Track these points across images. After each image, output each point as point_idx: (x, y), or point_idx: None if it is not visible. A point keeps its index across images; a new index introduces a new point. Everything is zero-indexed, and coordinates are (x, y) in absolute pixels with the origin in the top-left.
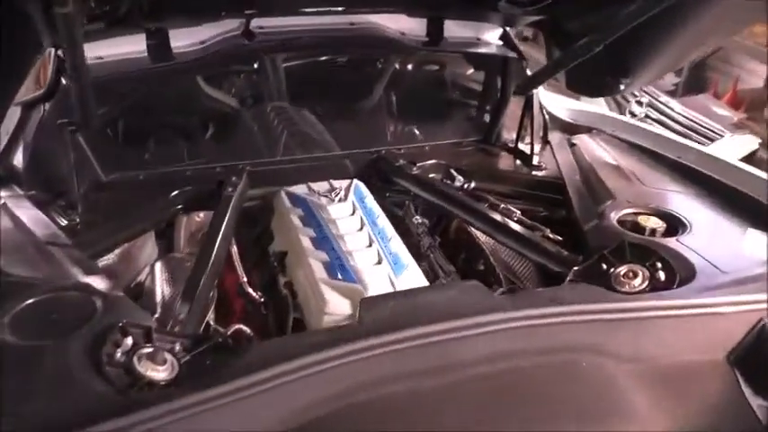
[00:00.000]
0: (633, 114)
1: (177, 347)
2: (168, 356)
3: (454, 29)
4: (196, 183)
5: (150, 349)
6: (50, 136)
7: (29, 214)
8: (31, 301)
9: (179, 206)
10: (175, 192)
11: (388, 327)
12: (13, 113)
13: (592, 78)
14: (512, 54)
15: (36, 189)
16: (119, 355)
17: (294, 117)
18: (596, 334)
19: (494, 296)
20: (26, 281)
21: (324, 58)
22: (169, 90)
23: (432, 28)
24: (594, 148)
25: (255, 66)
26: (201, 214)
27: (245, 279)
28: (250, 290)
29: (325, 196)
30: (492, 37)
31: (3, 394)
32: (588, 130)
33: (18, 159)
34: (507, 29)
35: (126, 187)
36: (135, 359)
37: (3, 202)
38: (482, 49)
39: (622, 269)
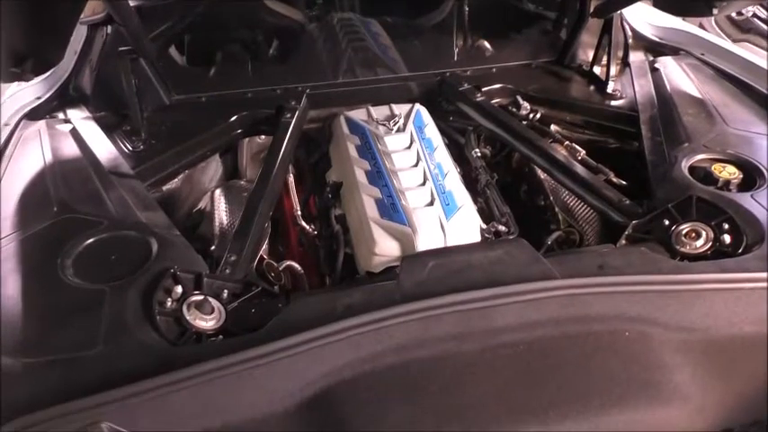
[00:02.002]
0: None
1: (225, 294)
2: (216, 305)
3: None
4: (256, 105)
5: (200, 297)
6: (113, 60)
7: (96, 140)
8: (92, 240)
9: (238, 130)
10: (234, 116)
11: (426, 292)
12: (81, 33)
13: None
14: None
15: (103, 111)
16: (169, 303)
17: (360, 32)
18: (643, 305)
19: (539, 259)
20: (88, 218)
21: None
22: (232, 7)
23: None
24: (678, 75)
25: None
26: (263, 136)
27: (300, 212)
28: (303, 223)
29: (384, 125)
30: None
31: (66, 336)
32: (675, 51)
33: (86, 80)
34: None
35: (188, 110)
36: (184, 308)
37: (72, 126)
38: None
39: (685, 227)
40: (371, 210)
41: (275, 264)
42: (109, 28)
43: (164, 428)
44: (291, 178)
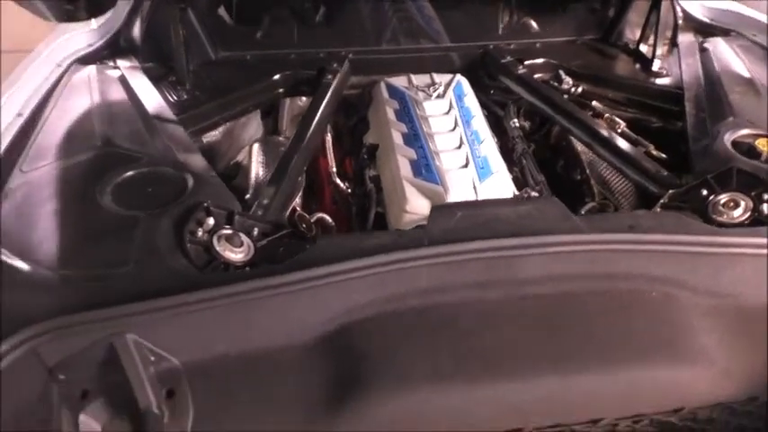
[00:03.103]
0: None
1: (255, 232)
2: (245, 240)
3: None
4: (299, 66)
5: (230, 231)
6: (163, 11)
7: (142, 87)
8: (131, 173)
9: (280, 89)
10: (277, 75)
11: (453, 239)
12: None
13: None
14: None
15: (151, 62)
16: (200, 233)
17: (399, 7)
18: (673, 266)
19: (569, 216)
20: (129, 154)
21: None
22: None
23: None
24: (727, 56)
25: None
26: (305, 98)
27: (335, 169)
28: (338, 180)
29: (424, 91)
30: None
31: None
32: (726, 32)
33: (137, 32)
34: None
35: (233, 67)
36: (215, 239)
37: (121, 73)
38: None
39: (723, 197)
40: (405, 169)
41: (307, 215)
42: None
43: (185, 347)
44: (329, 137)
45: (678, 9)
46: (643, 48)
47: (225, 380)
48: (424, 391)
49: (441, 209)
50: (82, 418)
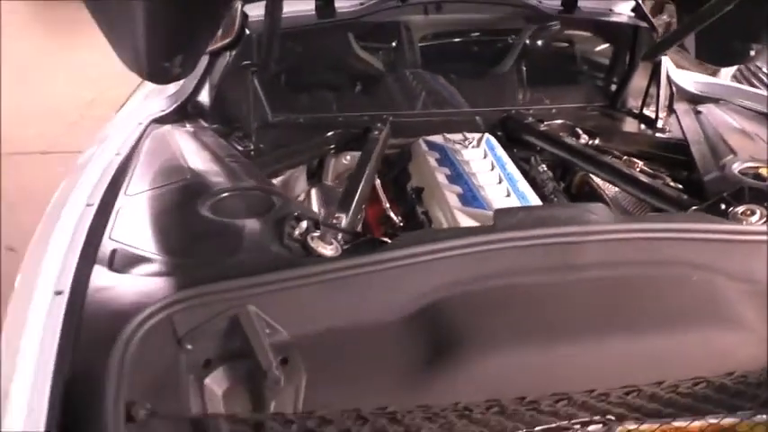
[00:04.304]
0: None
1: (339, 237)
2: (334, 239)
3: (587, 3)
4: (347, 127)
5: (320, 233)
6: (233, 77)
7: (214, 139)
8: (225, 194)
9: (332, 145)
10: (330, 132)
11: (518, 228)
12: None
13: (720, 45)
14: (643, 24)
15: (218, 123)
16: (296, 233)
17: (431, 80)
18: (709, 252)
19: (615, 215)
20: (219, 181)
21: (462, 26)
22: (329, 46)
23: None
24: (720, 115)
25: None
26: (348, 156)
27: (388, 205)
28: (392, 214)
29: (459, 143)
30: (623, 9)
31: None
32: (715, 101)
33: (203, 98)
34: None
35: (288, 127)
36: (309, 238)
37: (194, 130)
38: (616, 18)
39: (741, 208)
40: (454, 201)
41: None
42: (232, 52)
43: (294, 320)
44: (378, 181)
45: (672, 83)
46: (646, 111)
47: (330, 350)
48: (506, 352)
49: (503, 210)
50: (206, 383)
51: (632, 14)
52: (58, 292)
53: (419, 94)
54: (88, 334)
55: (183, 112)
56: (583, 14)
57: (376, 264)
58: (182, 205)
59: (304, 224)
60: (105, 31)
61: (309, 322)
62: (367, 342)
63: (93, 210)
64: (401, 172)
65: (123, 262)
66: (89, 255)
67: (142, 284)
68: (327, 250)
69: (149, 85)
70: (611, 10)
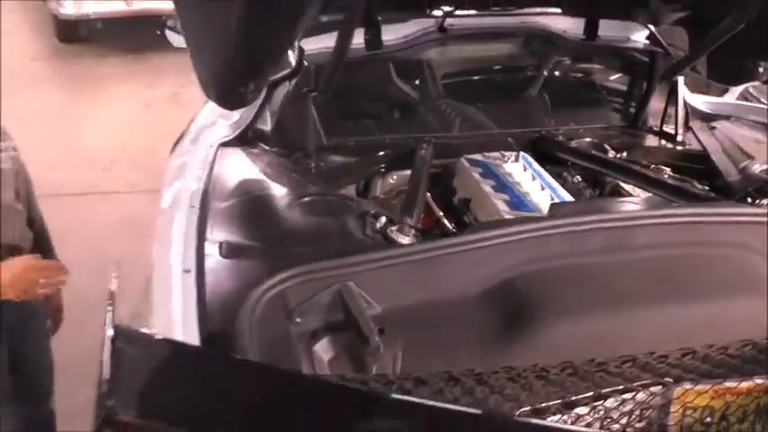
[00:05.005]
0: None
1: (412, 232)
2: (410, 233)
3: (606, 31)
4: (393, 149)
5: (398, 226)
6: (292, 105)
7: (276, 159)
8: (308, 198)
9: (381, 164)
10: (381, 152)
11: (574, 215)
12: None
13: (731, 65)
14: (659, 49)
15: (277, 146)
16: (377, 227)
17: (466, 105)
18: (744, 233)
19: (662, 201)
20: (297, 189)
21: (494, 55)
22: (376, 75)
23: (588, 27)
24: (733, 129)
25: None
26: (395, 176)
27: (441, 213)
28: (446, 221)
29: (499, 159)
30: (639, 37)
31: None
32: (726, 118)
33: (262, 125)
34: (653, 28)
35: (340, 150)
36: (388, 230)
37: (257, 151)
38: (633, 45)
39: (765, 201)
40: (503, 206)
41: None
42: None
43: (387, 295)
44: (429, 194)
45: (687, 103)
46: (665, 128)
47: (418, 321)
48: (576, 320)
49: (557, 203)
50: (314, 350)
51: (647, 42)
52: (187, 270)
53: (456, 119)
54: (212, 304)
55: (245, 138)
56: (603, 42)
57: (457, 245)
58: (269, 208)
59: (383, 219)
60: (194, 53)
61: (400, 297)
62: (452, 314)
63: (196, 211)
64: (446, 188)
65: (230, 250)
66: (202, 244)
67: (250, 267)
68: (406, 241)
69: (205, 117)
70: (628, 38)
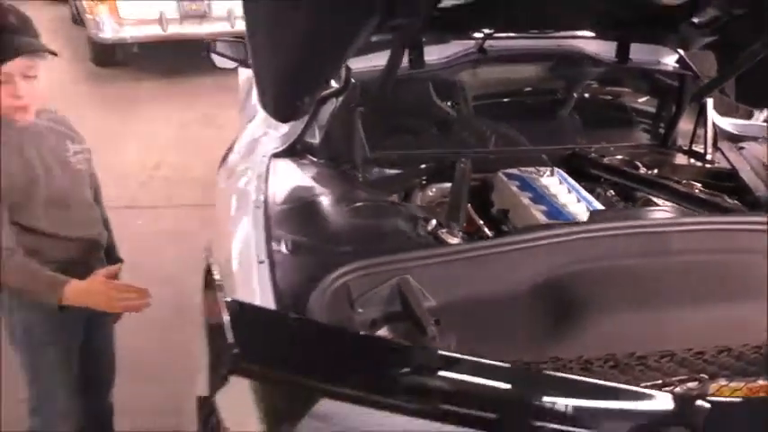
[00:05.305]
0: None
1: (459, 234)
2: (459, 235)
3: (636, 54)
4: (433, 163)
5: (447, 229)
6: (340, 119)
7: (326, 170)
8: (360, 203)
9: (423, 176)
10: (423, 165)
11: (614, 221)
12: None
13: (759, 88)
14: (688, 72)
15: (324, 158)
16: (429, 228)
17: (501, 123)
18: None
19: (695, 212)
20: (350, 196)
21: (531, 76)
22: (417, 92)
23: (620, 51)
24: (761, 149)
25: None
26: (434, 188)
27: (482, 222)
28: (486, 230)
29: (535, 174)
30: (669, 60)
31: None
32: (754, 139)
33: (310, 138)
34: (682, 52)
35: (383, 162)
36: (439, 232)
37: (307, 162)
38: (663, 68)
39: None
40: (541, 217)
41: None
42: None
43: (441, 289)
44: (469, 205)
45: (715, 124)
46: (694, 147)
47: (470, 314)
48: (618, 316)
49: (596, 211)
50: None
51: (677, 65)
52: (261, 262)
53: (491, 136)
54: (284, 291)
55: (294, 150)
56: (635, 65)
57: (507, 245)
58: (324, 211)
59: (433, 222)
60: (259, 66)
61: (453, 292)
62: (502, 308)
63: (261, 212)
64: (483, 200)
65: (295, 246)
66: (270, 240)
67: (313, 261)
68: (455, 242)
69: (254, 132)
70: (658, 61)
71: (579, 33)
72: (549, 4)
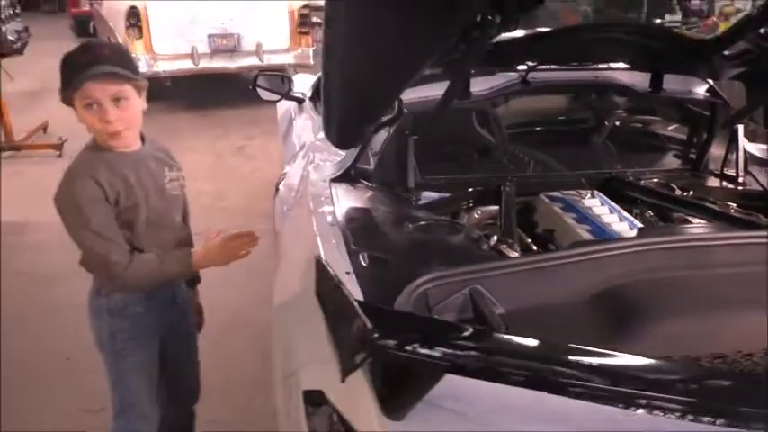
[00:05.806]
0: None
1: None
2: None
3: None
4: (479, 186)
5: (507, 245)
6: (392, 146)
7: (381, 194)
8: (422, 222)
9: (470, 200)
10: (470, 189)
11: (662, 236)
12: None
13: None
14: (719, 101)
15: (378, 183)
16: (491, 243)
17: (542, 149)
18: None
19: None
20: (414, 215)
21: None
22: (461, 121)
23: (654, 81)
24: None
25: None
26: (480, 211)
27: (530, 240)
28: (534, 247)
29: (576, 196)
30: (700, 90)
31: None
32: None
33: (363, 164)
34: (712, 82)
35: (433, 187)
36: (501, 247)
37: (363, 186)
38: (695, 97)
39: None
40: (587, 236)
41: None
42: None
43: (509, 298)
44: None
45: (745, 149)
46: (726, 171)
47: (535, 321)
48: (671, 322)
49: (644, 228)
50: None
51: (707, 94)
52: (348, 272)
53: (530, 162)
54: (369, 299)
55: (349, 176)
56: (668, 94)
57: (567, 257)
58: (391, 229)
59: (494, 238)
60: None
61: (519, 301)
62: (563, 316)
63: (337, 228)
64: (527, 222)
65: (371, 260)
66: (351, 253)
67: (391, 273)
68: (516, 256)
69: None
70: (690, 91)
71: (615, 66)
72: (593, 41)
